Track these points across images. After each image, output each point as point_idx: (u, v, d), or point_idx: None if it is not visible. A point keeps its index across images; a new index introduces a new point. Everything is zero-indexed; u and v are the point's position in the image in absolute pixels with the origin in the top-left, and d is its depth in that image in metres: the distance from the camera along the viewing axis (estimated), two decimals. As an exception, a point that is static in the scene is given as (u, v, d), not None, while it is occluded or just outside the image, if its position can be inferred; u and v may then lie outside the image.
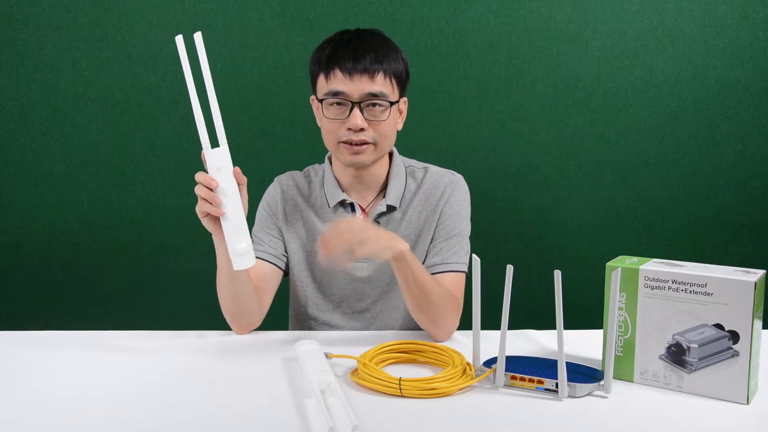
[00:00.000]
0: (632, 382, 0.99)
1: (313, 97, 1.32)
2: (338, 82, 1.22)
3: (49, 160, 1.90)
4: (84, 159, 1.90)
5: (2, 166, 1.90)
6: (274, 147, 1.90)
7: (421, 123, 1.89)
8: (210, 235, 2.05)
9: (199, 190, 1.08)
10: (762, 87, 1.90)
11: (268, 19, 1.86)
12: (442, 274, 1.29)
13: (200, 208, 1.10)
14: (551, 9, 1.87)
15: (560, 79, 1.89)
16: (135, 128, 1.89)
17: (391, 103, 1.25)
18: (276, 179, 1.41)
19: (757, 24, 1.87)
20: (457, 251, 1.31)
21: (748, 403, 0.91)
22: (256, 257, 1.34)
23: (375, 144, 1.26)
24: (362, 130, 1.23)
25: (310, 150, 1.88)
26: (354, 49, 1.23)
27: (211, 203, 1.07)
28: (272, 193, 1.39)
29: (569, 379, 0.93)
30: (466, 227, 1.35)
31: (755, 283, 0.89)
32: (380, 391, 0.95)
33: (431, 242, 1.33)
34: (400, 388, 0.93)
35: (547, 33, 1.88)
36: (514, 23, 1.87)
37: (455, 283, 1.29)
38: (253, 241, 1.38)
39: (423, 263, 1.32)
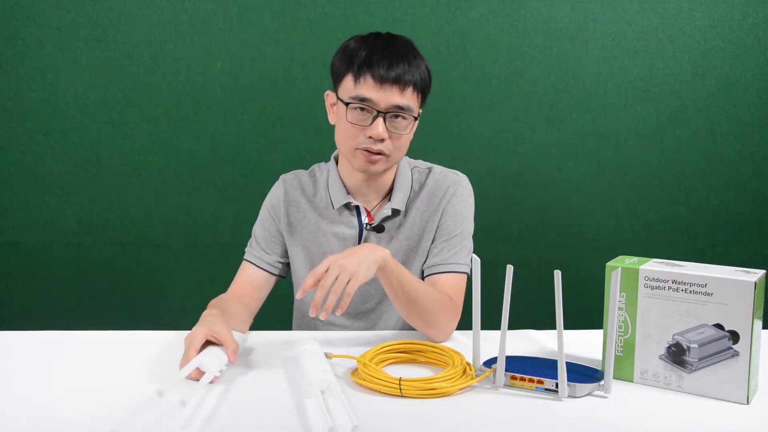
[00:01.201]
0: (632, 382, 0.99)
1: (330, 92, 1.29)
2: (368, 88, 1.19)
3: (49, 160, 1.90)
4: (84, 159, 1.90)
5: (2, 166, 1.90)
6: (274, 147, 1.90)
7: (422, 123, 1.88)
8: (209, 235, 2.06)
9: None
10: (762, 87, 1.90)
11: (268, 19, 1.86)
12: (442, 274, 1.28)
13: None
14: (551, 9, 1.87)
15: (560, 79, 1.89)
16: (135, 128, 1.89)
17: (415, 118, 1.24)
18: (281, 178, 1.40)
19: (757, 24, 1.87)
20: (458, 252, 1.30)
21: (748, 403, 0.91)
22: (250, 261, 1.36)
23: (390, 155, 1.24)
24: (382, 140, 1.21)
25: (310, 150, 1.88)
26: (388, 56, 1.20)
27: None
28: (276, 193, 1.38)
29: (569, 379, 0.93)
30: (468, 228, 1.34)
31: (755, 283, 0.89)
32: (380, 391, 0.95)
33: (432, 242, 1.32)
34: (400, 388, 0.93)
35: (547, 33, 1.88)
36: (514, 23, 1.87)
37: (454, 284, 1.28)
38: (249, 244, 1.39)
39: (424, 264, 1.32)
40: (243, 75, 1.88)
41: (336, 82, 1.27)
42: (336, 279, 1.02)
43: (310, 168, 1.41)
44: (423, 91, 1.25)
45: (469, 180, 1.41)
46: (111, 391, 0.97)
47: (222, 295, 1.31)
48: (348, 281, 1.02)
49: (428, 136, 1.90)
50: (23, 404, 0.92)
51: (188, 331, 1.25)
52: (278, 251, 1.36)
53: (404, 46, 1.24)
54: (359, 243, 1.31)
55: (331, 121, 1.30)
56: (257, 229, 1.39)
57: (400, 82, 1.19)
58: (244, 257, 1.37)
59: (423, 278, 1.33)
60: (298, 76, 1.87)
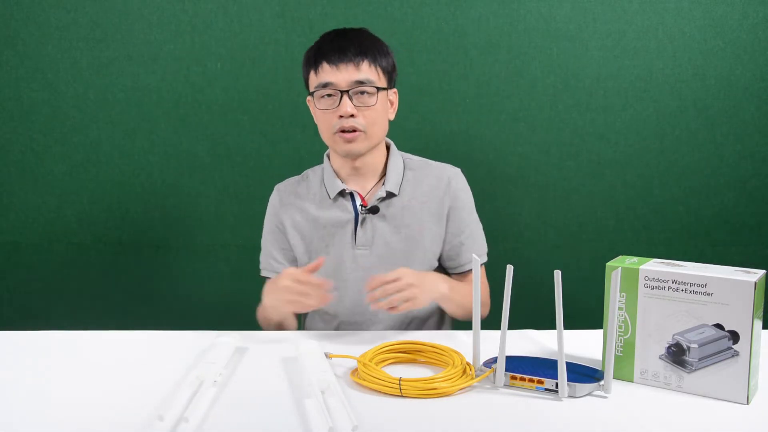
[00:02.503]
0: (632, 382, 0.99)
1: (308, 97, 1.37)
2: (326, 73, 1.29)
3: (49, 160, 1.90)
4: (84, 159, 1.90)
5: (2, 166, 1.90)
6: (274, 147, 1.90)
7: (421, 123, 1.89)
8: (209, 235, 2.06)
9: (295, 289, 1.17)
10: (762, 87, 1.90)
11: (268, 19, 1.86)
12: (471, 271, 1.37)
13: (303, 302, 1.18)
14: (551, 9, 1.87)
15: (560, 79, 1.89)
16: (135, 128, 1.89)
17: (378, 89, 1.31)
18: (275, 188, 1.46)
19: (757, 24, 1.87)
20: (480, 244, 1.43)
21: (748, 403, 0.91)
22: (269, 278, 1.42)
23: (365, 132, 1.31)
24: (353, 116, 1.29)
25: (310, 150, 1.88)
26: (339, 43, 1.30)
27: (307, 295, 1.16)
28: (272, 201, 1.45)
29: (569, 379, 0.93)
30: (476, 215, 1.44)
31: (755, 283, 0.89)
32: (380, 391, 0.95)
33: (452, 239, 1.39)
34: (400, 388, 0.93)
35: (547, 33, 1.88)
36: (514, 23, 1.87)
37: (482, 272, 1.44)
38: (262, 261, 1.45)
39: (440, 257, 1.40)
40: (243, 75, 1.87)
41: (306, 86, 1.37)
42: (399, 292, 1.13)
43: (304, 172, 1.47)
44: (381, 65, 1.33)
45: (469, 180, 1.46)
46: (111, 391, 0.97)
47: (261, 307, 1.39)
48: (407, 301, 1.14)
49: (428, 136, 1.90)
50: (23, 404, 0.92)
51: (188, 331, 1.26)
52: (289, 255, 1.42)
53: (355, 33, 1.34)
54: (356, 226, 1.36)
55: (316, 122, 1.38)
56: (266, 244, 1.45)
57: (353, 60, 1.29)
58: (262, 274, 1.45)
59: (441, 266, 1.42)
60: (298, 76, 1.86)
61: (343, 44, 1.30)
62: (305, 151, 1.89)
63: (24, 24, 1.85)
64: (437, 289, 1.24)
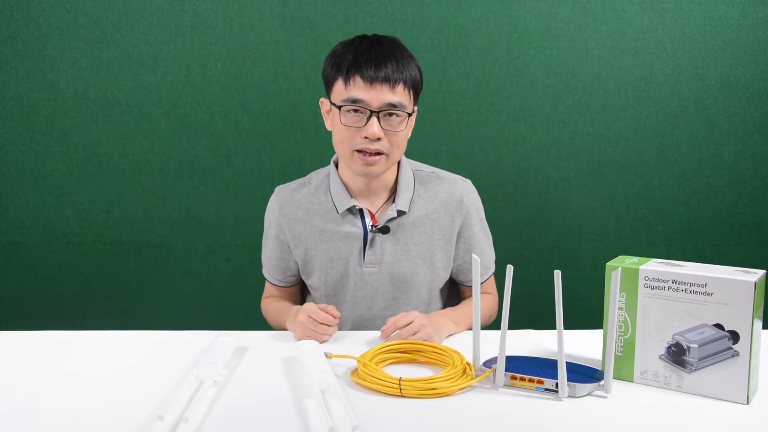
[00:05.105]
0: (632, 382, 0.99)
1: (324, 99, 1.31)
2: (358, 89, 1.21)
3: (49, 160, 1.90)
4: (84, 159, 1.90)
5: (2, 166, 1.90)
6: (274, 147, 1.90)
7: (421, 123, 1.88)
8: (209, 235, 2.06)
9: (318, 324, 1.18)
10: (762, 87, 1.90)
11: (268, 19, 1.86)
12: (483, 283, 1.39)
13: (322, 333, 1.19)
14: (551, 9, 1.87)
15: (560, 79, 1.89)
16: (135, 128, 1.89)
17: (409, 114, 1.25)
18: (275, 192, 1.41)
19: (757, 24, 1.87)
20: (488, 254, 1.42)
21: (748, 403, 0.91)
22: (276, 285, 1.44)
23: (388, 154, 1.25)
24: (378, 139, 1.22)
25: (310, 150, 1.88)
26: (375, 56, 1.21)
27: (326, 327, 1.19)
28: (271, 206, 1.40)
29: (569, 379, 0.93)
30: (486, 227, 1.43)
31: (755, 283, 0.89)
32: (380, 391, 0.95)
33: (463, 255, 1.37)
34: (400, 388, 0.93)
35: (547, 33, 1.88)
36: (514, 23, 1.87)
37: (491, 281, 1.44)
38: (264, 264, 1.45)
39: (452, 269, 1.39)
40: (243, 75, 1.87)
41: (328, 89, 1.29)
42: (414, 334, 1.14)
43: (307, 176, 1.41)
44: (414, 87, 1.26)
45: (470, 180, 1.45)
46: (111, 391, 0.97)
47: (267, 300, 1.44)
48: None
49: (428, 136, 1.90)
50: (23, 404, 0.92)
51: (188, 331, 1.26)
52: (290, 259, 1.40)
53: (391, 46, 1.25)
54: (365, 245, 1.32)
55: (328, 127, 1.31)
56: (266, 250, 1.43)
57: (389, 81, 1.21)
58: (263, 272, 1.45)
59: (453, 279, 1.42)
60: (298, 76, 1.87)
61: (380, 58, 1.21)
62: (305, 151, 1.89)
63: (24, 24, 1.84)
64: (447, 329, 1.23)
